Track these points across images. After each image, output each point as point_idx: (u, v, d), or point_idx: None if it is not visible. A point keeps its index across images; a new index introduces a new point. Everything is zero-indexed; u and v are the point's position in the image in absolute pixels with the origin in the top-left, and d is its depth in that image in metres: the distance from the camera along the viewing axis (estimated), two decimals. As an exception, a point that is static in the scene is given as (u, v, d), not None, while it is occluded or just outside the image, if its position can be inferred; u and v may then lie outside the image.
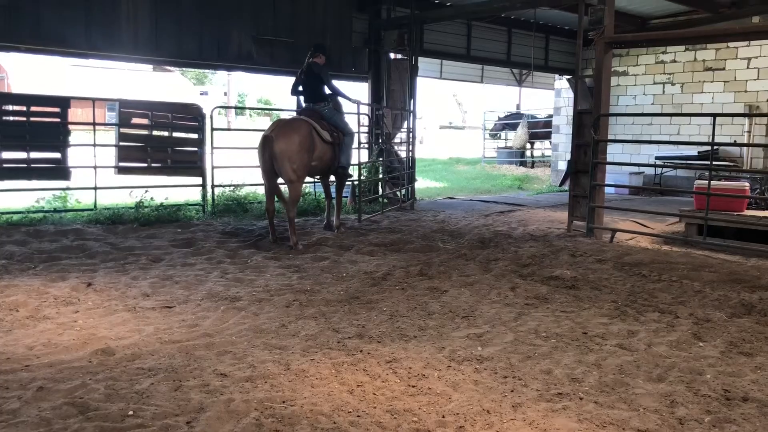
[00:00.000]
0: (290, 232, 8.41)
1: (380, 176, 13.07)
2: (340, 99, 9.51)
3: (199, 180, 11.24)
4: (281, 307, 5.69)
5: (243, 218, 10.76)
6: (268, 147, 8.23)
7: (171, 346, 4.59)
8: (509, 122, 27.09)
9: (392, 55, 14.17)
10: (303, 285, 6.50)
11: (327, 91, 9.26)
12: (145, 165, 10.75)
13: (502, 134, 28.20)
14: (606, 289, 6.47)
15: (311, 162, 8.67)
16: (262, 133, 8.58)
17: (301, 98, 9.45)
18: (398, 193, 13.44)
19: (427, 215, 12.01)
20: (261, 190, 12.88)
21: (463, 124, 54.80)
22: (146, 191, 10.55)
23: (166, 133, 11.18)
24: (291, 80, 9.59)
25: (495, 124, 27.98)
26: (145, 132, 11.03)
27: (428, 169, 23.78)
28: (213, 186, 11.24)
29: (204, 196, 11.20)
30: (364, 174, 12.86)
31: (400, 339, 4.86)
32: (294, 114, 9.61)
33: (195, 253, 7.95)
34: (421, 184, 18.46)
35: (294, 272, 7.11)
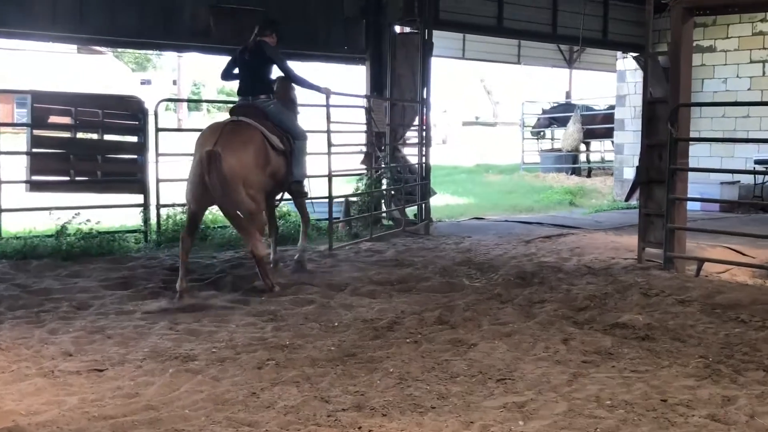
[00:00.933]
0: (262, 275, 8.23)
1: (383, 190, 13.12)
2: (294, 90, 9.54)
3: (139, 198, 11.27)
4: (251, 368, 5.64)
5: (199, 249, 10.74)
6: (214, 166, 7.65)
7: (102, 423, 4.54)
8: (557, 116, 27.19)
9: (398, 29, 14.26)
10: (280, 338, 6.45)
11: (273, 80, 9.29)
12: (67, 179, 10.79)
13: (548, 132, 28.30)
14: (691, 341, 6.40)
15: (267, 181, 8.54)
16: (197, 142, 8.19)
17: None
18: (407, 212, 13.47)
19: (448, 242, 11.99)
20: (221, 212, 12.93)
21: (494, 119, 55.07)
22: (76, 214, 10.48)
23: (95, 136, 11.22)
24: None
25: (539, 119, 28.11)
26: (66, 134, 11.07)
27: (448, 180, 23.85)
28: (158, 206, 11.26)
29: (146, 219, 11.22)
30: (361, 187, 12.90)
31: (413, 411, 4.81)
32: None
33: (134, 297, 7.91)
34: (439, 200, 18.48)
35: (268, 321, 7.07)
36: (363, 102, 13.36)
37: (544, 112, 28.40)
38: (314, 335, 6.59)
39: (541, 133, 28.17)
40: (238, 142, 8.07)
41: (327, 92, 10.06)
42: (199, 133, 8.44)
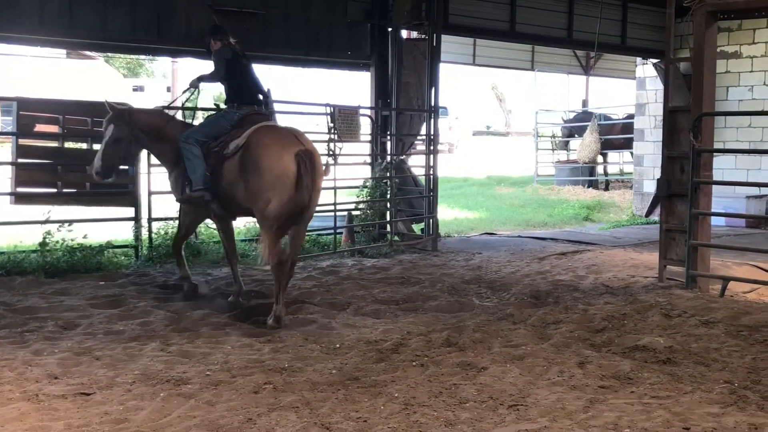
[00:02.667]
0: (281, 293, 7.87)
1: (387, 203, 13.13)
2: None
3: (130, 211, 11.28)
4: (247, 393, 5.64)
5: (193, 265, 10.75)
6: (313, 166, 7.75)
7: (88, 450, 4.55)
8: (577, 125, 27.17)
9: (405, 34, 14.31)
10: (278, 361, 6.45)
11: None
12: (54, 191, 10.81)
13: (564, 143, 28.32)
14: (716, 365, 6.39)
15: None
16: (284, 143, 7.94)
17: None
18: (414, 227, 13.47)
19: (457, 258, 12.00)
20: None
21: (507, 129, 55.15)
22: (61, 227, 10.50)
23: (84, 146, 11.23)
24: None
25: (562, 129, 28.10)
26: (54, 144, 11.09)
27: (458, 193, 23.87)
28: (150, 220, 11.28)
29: (138, 234, 11.24)
30: (365, 198, 12.91)
31: (419, 439, 4.80)
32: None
33: (124, 316, 7.92)
34: (448, 213, 18.50)
35: (265, 342, 7.07)
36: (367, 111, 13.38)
37: (566, 122, 28.40)
38: (314, 357, 6.59)
39: (568, 143, 28.17)
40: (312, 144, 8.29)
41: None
42: (253, 141, 8.03)
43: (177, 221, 11.64)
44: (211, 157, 8.32)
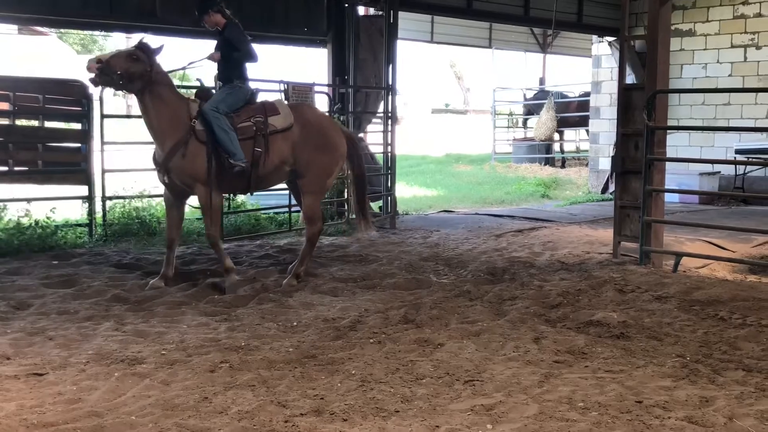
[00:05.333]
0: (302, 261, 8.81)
1: (345, 181, 13.08)
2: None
3: (84, 190, 11.14)
4: (203, 372, 5.62)
5: (148, 244, 10.67)
6: (360, 148, 9.25)
7: (41, 431, 4.50)
8: (535, 103, 27.29)
9: (362, 10, 14.22)
10: (235, 340, 6.43)
11: None
12: (5, 169, 10.64)
13: (520, 121, 28.48)
14: (669, 339, 6.48)
15: None
16: (336, 125, 9.39)
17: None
18: (372, 205, 13.45)
19: (415, 236, 12.01)
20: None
21: (465, 107, 55.21)
22: (5, 206, 10.42)
23: (35, 123, 11.08)
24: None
25: (524, 107, 28.21)
26: (5, 121, 10.93)
27: (416, 171, 23.91)
28: (104, 198, 11.16)
29: (91, 212, 11.11)
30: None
31: (376, 415, 4.82)
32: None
33: (78, 296, 7.83)
34: (406, 191, 18.52)
35: (222, 321, 7.05)
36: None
37: (527, 100, 28.52)
38: (271, 336, 6.58)
39: (526, 121, 28.31)
40: None
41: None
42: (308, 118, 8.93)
43: (137, 198, 11.58)
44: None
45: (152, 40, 8.56)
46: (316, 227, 8.97)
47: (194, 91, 9.13)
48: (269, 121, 8.55)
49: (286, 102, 9.48)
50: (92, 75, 7.90)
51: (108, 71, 7.86)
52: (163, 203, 9.18)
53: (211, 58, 8.70)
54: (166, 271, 8.50)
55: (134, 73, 7.97)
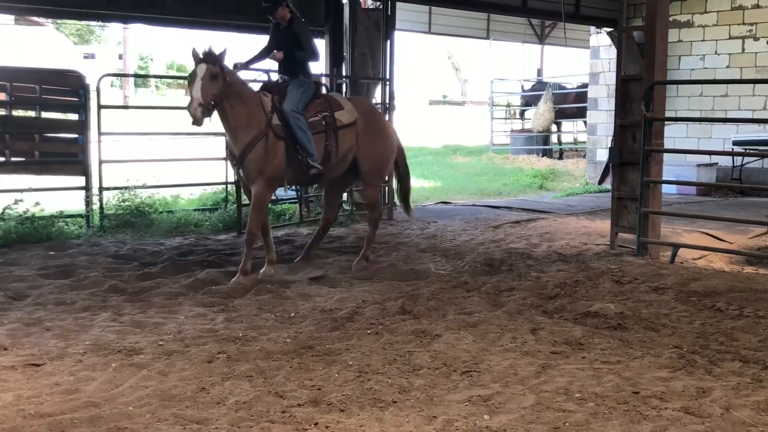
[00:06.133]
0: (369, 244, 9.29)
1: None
2: None
3: (81, 180, 11.13)
4: (200, 362, 5.62)
5: (146, 235, 10.66)
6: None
7: (38, 421, 4.49)
8: (533, 94, 27.26)
9: (360, 1, 14.19)
10: (232, 330, 6.43)
11: None
12: (2, 159, 10.63)
13: (518, 112, 28.46)
14: (666, 330, 6.48)
15: None
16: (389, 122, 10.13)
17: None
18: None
19: (412, 227, 12.01)
20: (171, 194, 12.83)
21: (463, 98, 55.23)
22: (18, 200, 10.37)
23: (32, 114, 11.06)
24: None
25: (520, 98, 28.18)
26: (1, 112, 10.91)
27: (414, 162, 23.72)
28: (101, 189, 11.15)
29: (88, 203, 11.10)
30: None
31: (373, 406, 4.82)
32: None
33: (75, 286, 7.83)
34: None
35: (219, 312, 7.05)
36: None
37: (525, 91, 28.49)
38: (269, 327, 6.58)
39: (524, 112, 28.29)
40: None
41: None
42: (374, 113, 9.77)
43: (134, 189, 11.55)
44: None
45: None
46: (378, 212, 9.81)
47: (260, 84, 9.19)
48: (336, 116, 8.85)
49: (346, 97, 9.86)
50: (198, 117, 7.89)
51: (207, 105, 7.91)
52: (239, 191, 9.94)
53: (273, 57, 8.84)
54: (269, 256, 8.72)
55: (217, 91, 8.01)
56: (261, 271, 8.51)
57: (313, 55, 8.93)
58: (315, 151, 8.46)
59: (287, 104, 8.42)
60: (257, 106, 8.36)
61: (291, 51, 8.72)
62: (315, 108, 8.72)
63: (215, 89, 7.92)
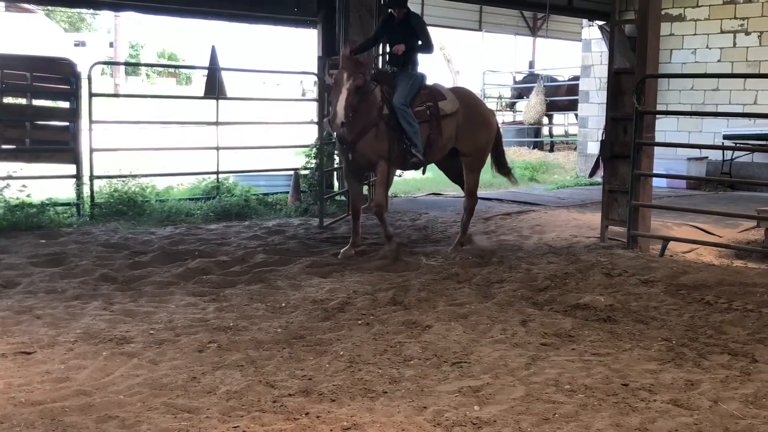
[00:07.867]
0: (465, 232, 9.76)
1: (335, 163, 13.07)
2: None
3: (72, 169, 11.10)
4: (191, 351, 5.63)
5: (137, 224, 10.64)
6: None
7: (29, 409, 4.49)
8: (525, 86, 27.25)
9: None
10: (223, 320, 6.43)
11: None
12: (-7, 147, 10.61)
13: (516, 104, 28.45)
14: (655, 323, 6.51)
15: None
16: (489, 109, 10.28)
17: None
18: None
19: (403, 219, 12.02)
20: (162, 184, 12.81)
21: (454, 90, 55.06)
22: (6, 185, 10.35)
23: (22, 101, 11.02)
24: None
25: (511, 90, 28.16)
26: (-8, 99, 10.87)
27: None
28: (92, 177, 11.12)
29: (79, 191, 11.07)
30: (312, 161, 12.86)
31: (364, 396, 4.84)
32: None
33: (66, 275, 7.82)
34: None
35: (210, 301, 7.05)
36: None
37: (516, 82, 28.48)
38: (260, 316, 6.58)
39: (515, 104, 28.30)
40: None
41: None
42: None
43: (126, 178, 11.53)
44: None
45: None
46: (475, 200, 9.92)
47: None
48: (439, 105, 9.20)
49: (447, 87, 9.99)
50: (338, 131, 8.56)
51: (348, 119, 8.41)
52: (346, 179, 10.23)
53: (396, 51, 9.10)
54: (354, 239, 9.22)
55: (358, 102, 8.52)
56: (342, 251, 9.03)
57: (431, 48, 9.33)
58: (420, 142, 8.86)
59: (397, 98, 8.81)
60: (371, 96, 8.75)
61: (410, 44, 9.09)
62: (420, 99, 9.11)
63: (357, 101, 8.42)
